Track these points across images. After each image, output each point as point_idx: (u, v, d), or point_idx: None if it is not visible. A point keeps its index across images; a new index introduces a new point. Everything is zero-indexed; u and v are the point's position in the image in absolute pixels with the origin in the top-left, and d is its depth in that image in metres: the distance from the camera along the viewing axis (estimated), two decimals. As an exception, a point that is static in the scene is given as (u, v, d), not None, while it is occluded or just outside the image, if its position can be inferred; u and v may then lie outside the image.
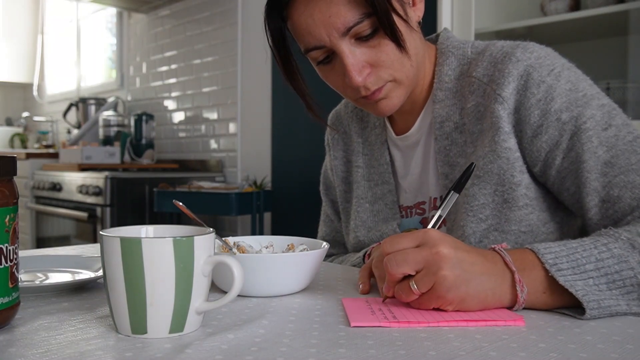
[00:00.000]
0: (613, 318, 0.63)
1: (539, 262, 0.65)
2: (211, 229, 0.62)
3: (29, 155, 3.76)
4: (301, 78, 0.92)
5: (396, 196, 1.01)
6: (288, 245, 0.84)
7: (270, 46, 0.90)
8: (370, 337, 0.56)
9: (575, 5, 1.98)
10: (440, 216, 0.73)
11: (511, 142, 0.85)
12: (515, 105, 0.84)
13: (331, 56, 0.85)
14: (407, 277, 0.64)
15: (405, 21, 0.83)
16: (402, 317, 0.63)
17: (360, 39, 0.82)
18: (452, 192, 0.74)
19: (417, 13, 0.87)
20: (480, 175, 0.85)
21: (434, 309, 0.65)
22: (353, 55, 0.82)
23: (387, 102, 0.88)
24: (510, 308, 0.65)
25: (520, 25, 2.03)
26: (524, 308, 0.66)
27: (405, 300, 0.65)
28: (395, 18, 0.81)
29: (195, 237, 0.57)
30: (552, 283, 0.65)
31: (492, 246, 0.68)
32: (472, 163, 0.74)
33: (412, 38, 0.85)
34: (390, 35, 0.81)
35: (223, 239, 0.81)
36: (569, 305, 0.65)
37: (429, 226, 0.72)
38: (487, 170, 0.85)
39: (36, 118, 4.97)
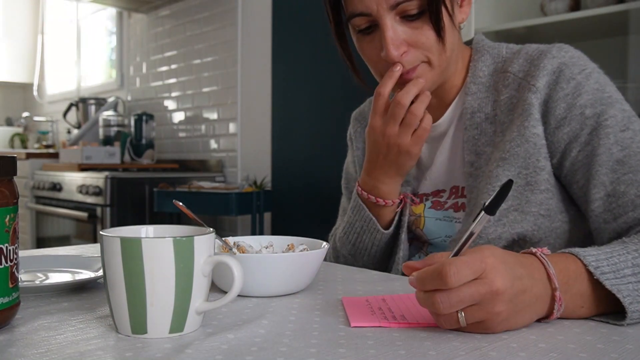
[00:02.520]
0: (613, 318, 0.63)
1: (583, 271, 0.63)
2: (211, 229, 0.62)
3: (29, 155, 3.75)
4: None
5: (413, 185, 1.04)
6: (288, 245, 0.84)
7: (325, 4, 0.94)
8: (370, 337, 0.56)
9: (575, 5, 1.98)
10: (472, 233, 0.62)
11: (539, 129, 0.87)
12: (545, 98, 0.87)
13: (373, 27, 0.88)
14: None
15: (450, 16, 0.87)
16: (402, 317, 0.63)
17: (405, 17, 0.85)
18: (482, 212, 0.61)
19: (461, 15, 0.92)
20: (506, 157, 0.88)
21: None
22: (394, 30, 0.85)
23: None
24: (539, 320, 0.62)
25: (520, 25, 2.02)
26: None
27: (446, 327, 0.58)
28: (442, 8, 0.84)
29: (195, 237, 0.57)
30: (593, 294, 0.63)
31: (534, 250, 0.64)
32: (510, 180, 0.63)
33: (452, 34, 0.89)
34: (433, 21, 0.84)
35: (223, 239, 0.81)
36: (603, 313, 0.64)
37: (460, 243, 0.62)
38: (514, 153, 0.87)
39: (36, 118, 4.97)
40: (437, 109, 1.00)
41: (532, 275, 0.61)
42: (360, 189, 1.00)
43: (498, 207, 0.61)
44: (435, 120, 1.00)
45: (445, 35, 0.86)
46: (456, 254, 0.60)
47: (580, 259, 0.64)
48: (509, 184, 0.61)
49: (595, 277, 0.62)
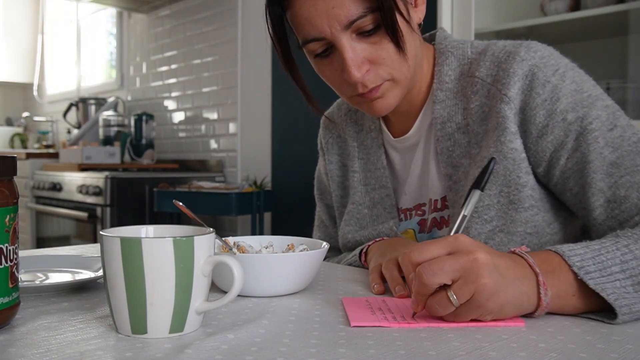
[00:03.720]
0: (613, 318, 0.63)
1: (565, 264, 0.64)
2: (211, 229, 0.62)
3: (29, 155, 3.76)
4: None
5: (394, 200, 1.00)
6: (288, 245, 0.84)
7: (270, 35, 0.89)
8: (370, 337, 0.56)
9: (575, 5, 1.98)
10: (464, 216, 0.69)
11: (517, 143, 0.84)
12: (521, 105, 0.84)
13: (330, 49, 0.84)
14: (440, 288, 0.60)
15: (407, 22, 0.82)
16: (402, 317, 0.63)
17: (362, 34, 0.81)
18: (474, 190, 0.70)
19: (418, 15, 0.87)
20: None
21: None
22: (353, 50, 0.81)
23: (382, 102, 0.87)
24: (533, 313, 0.62)
25: (520, 25, 2.03)
26: (551, 313, 0.64)
27: (442, 314, 0.60)
28: (398, 17, 0.80)
29: (195, 237, 0.57)
30: (582, 286, 0.63)
31: (513, 249, 0.66)
32: (493, 158, 0.70)
33: (412, 39, 0.84)
34: (391, 34, 0.80)
35: (223, 239, 0.81)
36: (596, 309, 0.64)
37: (454, 228, 0.69)
38: (493, 171, 0.84)
39: (36, 118, 4.97)
40: (407, 116, 0.97)
41: (513, 259, 0.63)
42: (365, 262, 0.94)
43: (486, 183, 0.70)
44: (407, 129, 0.97)
45: (405, 45, 0.82)
46: None
47: (565, 260, 0.64)
48: (492, 161, 0.70)
49: (579, 277, 0.62)
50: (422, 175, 0.96)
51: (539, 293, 0.61)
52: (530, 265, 0.63)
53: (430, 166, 0.95)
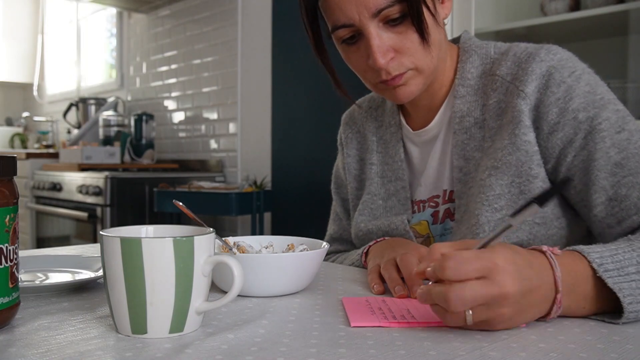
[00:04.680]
0: (613, 318, 0.63)
1: (590, 272, 0.63)
2: (211, 229, 0.62)
3: (29, 155, 3.75)
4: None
5: (409, 192, 1.02)
6: (288, 245, 0.84)
7: (303, 21, 0.93)
8: (370, 337, 0.56)
9: (575, 5, 1.98)
10: (510, 226, 0.61)
11: (530, 136, 0.86)
12: (536, 103, 0.86)
13: (357, 36, 0.87)
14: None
15: (432, 15, 0.86)
16: (402, 317, 0.63)
17: (388, 22, 0.84)
18: (533, 203, 0.61)
19: (444, 11, 0.90)
20: (498, 166, 0.87)
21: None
22: (380, 37, 0.85)
23: (405, 89, 0.89)
24: (537, 319, 0.62)
25: (520, 25, 2.03)
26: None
27: (452, 325, 0.59)
28: (424, 9, 0.84)
29: (195, 237, 0.57)
30: (597, 295, 0.63)
31: (544, 249, 0.64)
32: (568, 178, 0.70)
33: (437, 32, 0.88)
34: (416, 25, 0.84)
35: (223, 239, 0.81)
36: (601, 312, 0.64)
37: (495, 233, 0.62)
38: (505, 162, 0.86)
39: (36, 118, 4.97)
40: (427, 110, 0.99)
41: (541, 276, 0.61)
42: (365, 262, 0.95)
43: (549, 200, 0.61)
44: (426, 123, 0.99)
45: (430, 37, 0.85)
46: (485, 245, 0.60)
47: (584, 256, 0.64)
48: (567, 181, 0.68)
49: (598, 275, 0.62)
50: (440, 167, 0.98)
51: (550, 308, 0.62)
52: (555, 280, 0.61)
53: (447, 158, 0.97)
